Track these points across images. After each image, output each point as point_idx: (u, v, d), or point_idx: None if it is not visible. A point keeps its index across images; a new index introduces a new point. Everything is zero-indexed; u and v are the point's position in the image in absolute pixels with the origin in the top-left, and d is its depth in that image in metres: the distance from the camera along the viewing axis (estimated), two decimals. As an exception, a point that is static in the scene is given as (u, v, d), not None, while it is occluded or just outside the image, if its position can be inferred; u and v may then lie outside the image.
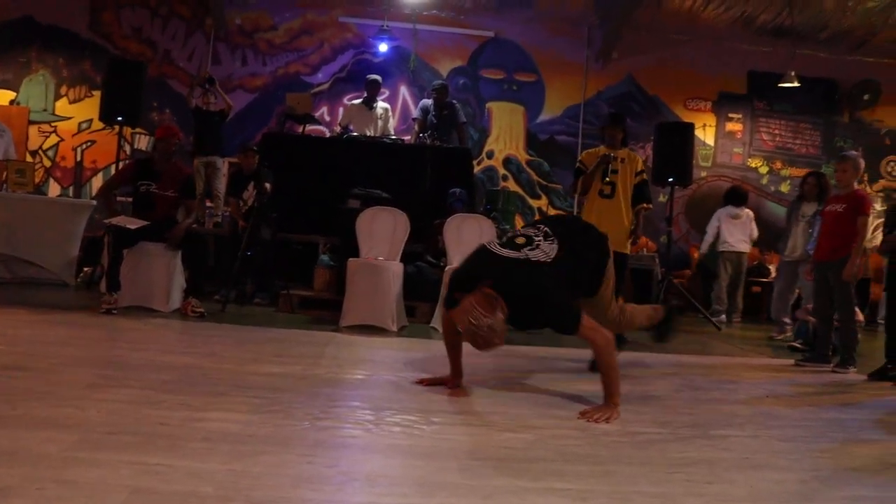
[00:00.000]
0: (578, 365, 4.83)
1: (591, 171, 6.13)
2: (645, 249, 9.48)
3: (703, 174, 11.85)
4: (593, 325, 3.42)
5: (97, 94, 9.98)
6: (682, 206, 11.62)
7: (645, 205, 6.35)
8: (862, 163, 5.90)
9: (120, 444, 2.43)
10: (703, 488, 2.44)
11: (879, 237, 6.68)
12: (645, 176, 6.34)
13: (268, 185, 6.93)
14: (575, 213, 6.50)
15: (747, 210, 9.82)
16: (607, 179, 6.04)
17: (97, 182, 10.73)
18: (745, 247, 9.60)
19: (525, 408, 3.46)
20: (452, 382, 3.83)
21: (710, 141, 11.98)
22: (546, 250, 3.50)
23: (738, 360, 5.95)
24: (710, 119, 11.99)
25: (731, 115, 12.06)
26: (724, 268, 9.57)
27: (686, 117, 11.54)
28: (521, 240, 3.60)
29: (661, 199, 10.51)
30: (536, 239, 3.57)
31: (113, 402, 2.97)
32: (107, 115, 8.25)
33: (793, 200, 7.99)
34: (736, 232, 9.59)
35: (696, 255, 10.95)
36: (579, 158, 6.51)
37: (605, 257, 3.83)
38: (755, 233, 9.71)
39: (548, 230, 3.64)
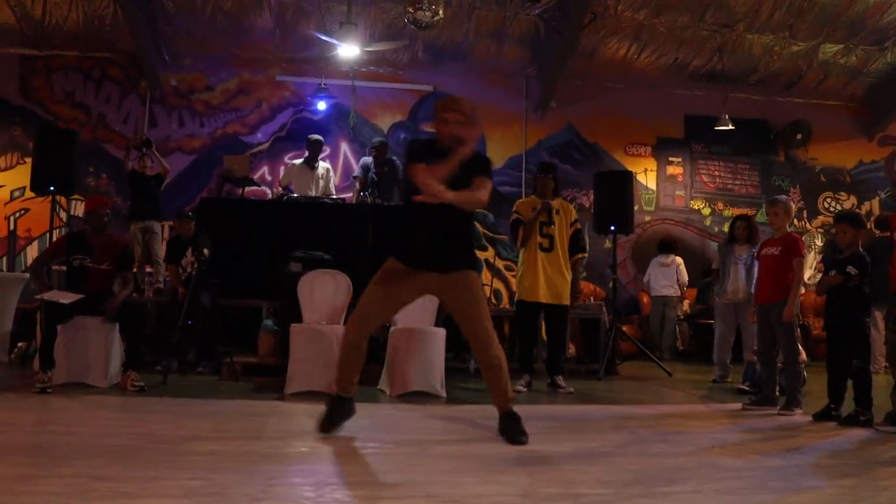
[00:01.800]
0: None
1: (531, 221, 6.16)
2: (592, 298, 9.55)
3: (648, 218, 12.02)
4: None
5: (30, 160, 9.77)
6: (629, 251, 11.76)
7: (580, 255, 6.42)
8: (792, 205, 6.06)
9: (42, 545, 2.31)
10: (645, 556, 2.40)
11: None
12: (578, 225, 6.43)
13: (206, 251, 6.82)
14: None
15: (674, 257, 10.55)
16: (545, 231, 6.08)
17: (32, 251, 10.46)
18: (670, 291, 10.42)
19: (469, 475, 3.39)
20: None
21: (653, 185, 12.19)
22: None
23: (687, 408, 5.93)
24: (651, 164, 12.22)
25: (671, 158, 12.30)
26: (654, 311, 10.49)
27: (627, 163, 11.75)
28: None
29: (607, 245, 10.60)
30: None
31: (41, 495, 2.81)
32: (38, 185, 7.90)
33: (722, 244, 8.07)
34: (661, 278, 10.45)
35: (645, 299, 11.09)
36: (514, 210, 6.53)
37: None
38: (684, 277, 10.48)
39: None
